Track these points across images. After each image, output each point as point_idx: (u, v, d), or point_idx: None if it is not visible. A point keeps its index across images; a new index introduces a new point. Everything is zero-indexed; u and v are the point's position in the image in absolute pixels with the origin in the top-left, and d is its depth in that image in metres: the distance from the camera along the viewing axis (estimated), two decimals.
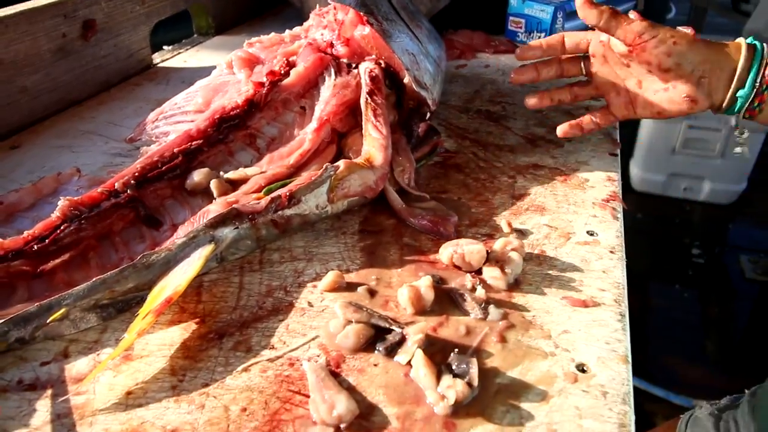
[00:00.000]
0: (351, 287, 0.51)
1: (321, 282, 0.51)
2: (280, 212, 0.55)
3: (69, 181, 0.61)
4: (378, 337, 0.46)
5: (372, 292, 0.50)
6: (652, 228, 2.40)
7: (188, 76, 0.93)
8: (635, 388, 0.42)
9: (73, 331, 0.47)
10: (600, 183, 0.65)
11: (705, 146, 2.16)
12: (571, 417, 0.39)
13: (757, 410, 0.69)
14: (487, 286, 0.50)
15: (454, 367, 0.42)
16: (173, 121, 0.71)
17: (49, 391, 0.42)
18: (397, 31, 0.73)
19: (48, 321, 0.45)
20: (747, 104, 0.60)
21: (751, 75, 0.59)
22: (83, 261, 0.53)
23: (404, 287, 0.48)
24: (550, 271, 0.52)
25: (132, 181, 0.57)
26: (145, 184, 0.58)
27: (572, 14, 1.02)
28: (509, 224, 0.58)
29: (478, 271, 0.52)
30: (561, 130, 0.71)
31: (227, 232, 0.52)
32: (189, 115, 0.71)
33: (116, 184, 0.57)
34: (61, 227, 0.53)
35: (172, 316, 0.48)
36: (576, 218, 0.60)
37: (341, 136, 0.69)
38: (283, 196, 0.55)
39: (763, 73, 0.58)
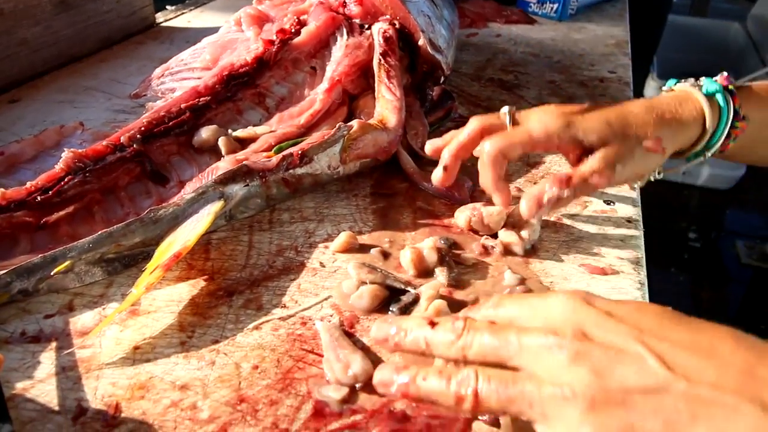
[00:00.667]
0: (363, 249, 0.50)
1: (333, 243, 0.50)
2: (291, 171, 0.53)
3: (72, 135, 0.59)
4: (392, 298, 0.44)
5: (385, 254, 0.49)
6: (649, 212, 2.36)
7: (192, 36, 0.90)
8: None
9: (77, 284, 0.45)
10: None
11: None
12: None
13: None
14: (503, 251, 0.49)
15: None
16: (179, 77, 0.69)
17: (53, 344, 0.41)
18: None
19: (52, 273, 0.43)
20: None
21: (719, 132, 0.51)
22: (88, 214, 0.51)
23: (406, 249, 0.47)
24: (567, 239, 0.51)
25: (138, 136, 0.55)
26: (151, 139, 0.56)
27: None
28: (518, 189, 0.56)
29: (494, 236, 0.50)
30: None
31: (237, 189, 0.51)
32: (196, 71, 0.69)
33: (122, 138, 0.55)
34: (65, 179, 0.51)
35: (179, 273, 0.47)
36: None
37: (352, 98, 0.67)
38: (295, 154, 0.53)
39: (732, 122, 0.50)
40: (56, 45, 0.81)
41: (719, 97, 0.50)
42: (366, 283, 0.44)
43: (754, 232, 2.19)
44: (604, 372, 0.27)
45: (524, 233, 0.49)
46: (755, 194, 2.38)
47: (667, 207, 2.31)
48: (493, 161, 0.47)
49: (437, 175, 0.51)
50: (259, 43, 0.67)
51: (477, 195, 0.57)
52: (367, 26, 0.70)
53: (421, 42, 0.68)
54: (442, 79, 0.70)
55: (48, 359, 0.39)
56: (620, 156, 0.47)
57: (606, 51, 0.95)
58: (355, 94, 0.67)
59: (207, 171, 0.53)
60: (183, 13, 1.05)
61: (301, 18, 0.71)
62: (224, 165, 0.53)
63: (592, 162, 0.47)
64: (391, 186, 0.58)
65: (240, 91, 0.64)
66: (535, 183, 0.59)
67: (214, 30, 0.79)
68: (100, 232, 0.45)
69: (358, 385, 0.38)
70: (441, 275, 0.46)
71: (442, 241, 0.49)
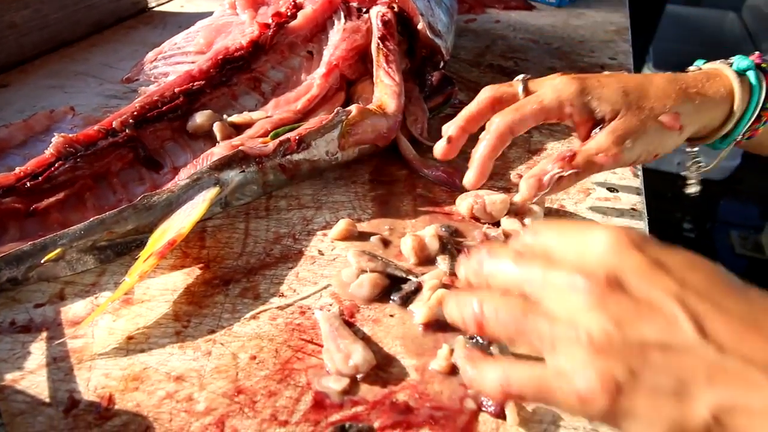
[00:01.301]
0: (363, 237, 0.49)
1: (331, 230, 0.49)
2: (288, 157, 0.52)
3: (63, 119, 0.57)
4: (392, 286, 0.43)
5: (385, 242, 0.48)
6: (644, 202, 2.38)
7: (185, 21, 0.88)
8: None
9: (69, 272, 0.44)
10: None
11: None
12: None
13: None
14: (505, 240, 0.48)
15: (474, 340, 0.40)
16: (173, 61, 0.67)
17: (44, 334, 0.39)
18: None
19: (42, 261, 0.42)
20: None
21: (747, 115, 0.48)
22: (79, 201, 0.50)
23: (407, 236, 0.46)
24: None
25: (131, 121, 0.54)
26: (144, 124, 0.55)
27: None
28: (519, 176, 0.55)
29: (497, 224, 0.49)
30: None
31: (233, 175, 0.49)
32: (189, 55, 0.67)
33: (114, 123, 0.53)
34: (55, 165, 0.49)
35: (174, 261, 0.46)
36: (595, 174, 0.57)
37: (350, 83, 0.66)
38: (292, 139, 0.52)
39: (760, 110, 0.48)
40: (46, 29, 0.79)
41: (751, 74, 0.47)
42: (366, 272, 0.43)
43: (748, 223, 2.19)
44: (626, 324, 0.26)
45: (527, 221, 0.48)
46: (750, 185, 2.37)
47: (661, 197, 2.31)
48: (499, 136, 0.46)
49: (440, 147, 0.49)
50: (255, 26, 0.65)
51: None
52: (364, 10, 0.68)
53: (420, 26, 0.67)
54: (442, 64, 0.69)
55: (38, 350, 0.38)
56: (631, 131, 0.44)
57: (606, 37, 0.93)
58: (352, 79, 0.65)
59: (202, 157, 0.52)
60: None
61: (298, 1, 0.69)
62: (219, 151, 0.52)
63: (600, 138, 0.45)
64: (390, 173, 0.57)
65: (235, 75, 0.62)
66: None
67: (207, 14, 0.77)
68: (91, 219, 0.43)
69: (359, 376, 0.37)
70: (443, 264, 0.45)
71: (444, 229, 0.48)
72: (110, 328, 0.40)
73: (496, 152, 0.47)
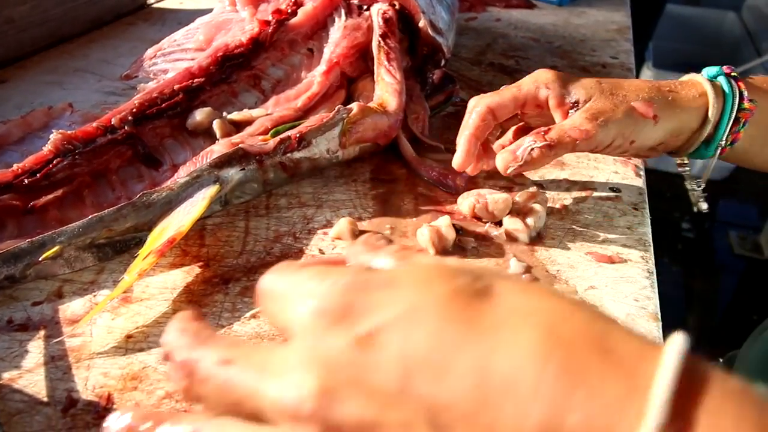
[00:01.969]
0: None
1: (332, 229, 0.48)
2: (289, 154, 0.52)
3: (61, 116, 0.57)
4: None
5: (386, 241, 0.48)
6: None
7: (185, 18, 0.87)
8: None
9: (67, 270, 0.43)
10: None
11: None
12: None
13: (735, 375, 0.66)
14: (507, 239, 0.48)
15: None
16: (172, 58, 0.67)
17: (42, 333, 0.39)
18: None
19: (40, 259, 0.42)
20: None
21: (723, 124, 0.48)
22: (77, 199, 0.49)
23: (424, 227, 0.46)
24: (573, 226, 0.50)
25: (129, 118, 0.53)
26: (143, 122, 0.54)
27: None
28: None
29: (499, 223, 0.49)
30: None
31: (233, 173, 0.49)
32: (189, 52, 0.67)
33: (113, 120, 0.53)
34: (54, 161, 0.49)
35: (173, 259, 0.45)
36: (597, 174, 0.57)
37: (350, 81, 0.65)
38: (293, 137, 0.51)
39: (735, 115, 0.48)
40: (45, 24, 0.78)
41: (722, 79, 0.48)
42: None
43: (746, 223, 2.19)
44: None
45: (529, 220, 0.48)
46: (748, 185, 2.38)
47: (660, 197, 2.31)
48: (481, 116, 0.49)
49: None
50: (255, 23, 0.65)
51: (478, 182, 0.55)
52: (365, 7, 0.68)
53: (421, 23, 0.66)
54: (443, 62, 0.69)
55: (36, 348, 0.38)
56: (604, 111, 0.46)
57: (607, 36, 0.93)
58: (353, 76, 0.65)
59: (201, 154, 0.51)
60: None
61: None
62: (219, 148, 0.51)
63: (574, 117, 0.46)
64: (391, 171, 0.57)
65: (235, 72, 0.62)
66: None
67: (207, 11, 0.76)
68: (90, 217, 0.43)
69: None
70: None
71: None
72: (109, 326, 0.40)
73: (479, 133, 0.50)
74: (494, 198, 0.48)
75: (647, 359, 0.18)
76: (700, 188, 0.54)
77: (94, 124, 0.52)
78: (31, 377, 0.36)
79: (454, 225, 0.47)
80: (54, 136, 0.49)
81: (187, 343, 0.24)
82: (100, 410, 0.34)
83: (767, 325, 0.62)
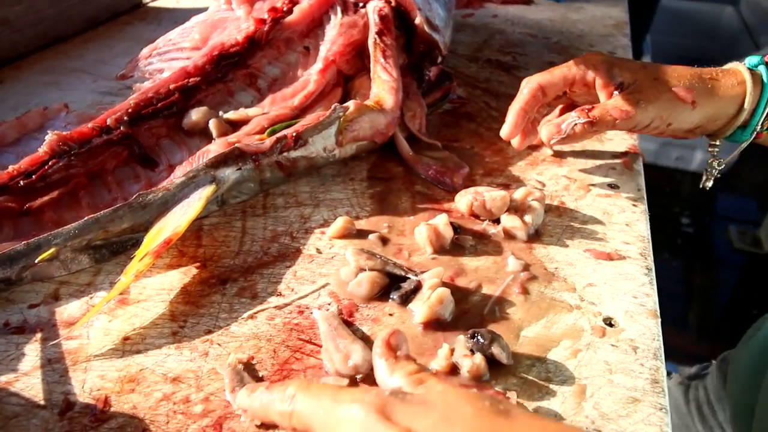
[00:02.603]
0: (361, 234, 0.48)
1: (329, 228, 0.48)
2: (285, 154, 0.51)
3: (56, 117, 0.57)
4: (392, 285, 0.43)
5: (384, 240, 0.47)
6: None
7: (181, 17, 0.87)
8: None
9: (63, 272, 0.43)
10: (618, 135, 0.62)
11: None
12: (601, 372, 0.37)
13: (729, 375, 0.67)
14: (505, 236, 0.48)
15: (474, 340, 0.37)
16: (168, 57, 0.66)
17: (38, 335, 0.39)
18: None
19: (36, 261, 0.41)
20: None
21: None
22: (73, 200, 0.49)
23: (421, 226, 0.46)
24: (571, 223, 0.50)
25: (125, 118, 0.53)
26: (139, 122, 0.54)
27: None
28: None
29: (497, 221, 0.49)
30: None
31: (229, 173, 0.49)
32: (184, 51, 0.66)
33: (108, 120, 0.53)
34: (49, 163, 0.49)
35: (170, 260, 0.45)
36: (595, 170, 0.57)
37: (347, 79, 0.65)
38: (289, 136, 0.51)
39: None
40: (40, 25, 0.78)
41: (762, 69, 0.51)
42: (365, 270, 0.43)
43: (746, 218, 2.19)
44: None
45: (527, 218, 0.47)
46: (748, 179, 2.37)
47: (660, 192, 2.31)
48: (532, 92, 0.53)
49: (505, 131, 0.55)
50: (250, 22, 0.64)
51: (476, 180, 0.55)
52: (361, 4, 0.68)
53: (417, 20, 0.66)
54: (440, 59, 0.68)
55: (33, 351, 0.38)
56: (646, 95, 0.49)
57: (605, 32, 0.93)
58: (350, 74, 0.65)
59: (198, 154, 0.51)
60: None
61: None
62: (215, 148, 0.51)
63: (617, 97, 0.50)
64: (388, 170, 0.57)
65: (231, 71, 0.62)
66: None
67: (202, 10, 0.76)
68: (86, 218, 0.43)
69: (359, 377, 0.36)
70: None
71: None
72: (106, 328, 0.39)
73: (528, 107, 0.53)
74: (492, 195, 0.48)
75: None
76: (720, 167, 0.58)
77: (90, 125, 0.52)
78: (27, 380, 0.36)
79: (451, 223, 0.47)
80: (49, 137, 0.49)
81: None
82: (97, 413, 0.34)
83: (759, 326, 0.62)
